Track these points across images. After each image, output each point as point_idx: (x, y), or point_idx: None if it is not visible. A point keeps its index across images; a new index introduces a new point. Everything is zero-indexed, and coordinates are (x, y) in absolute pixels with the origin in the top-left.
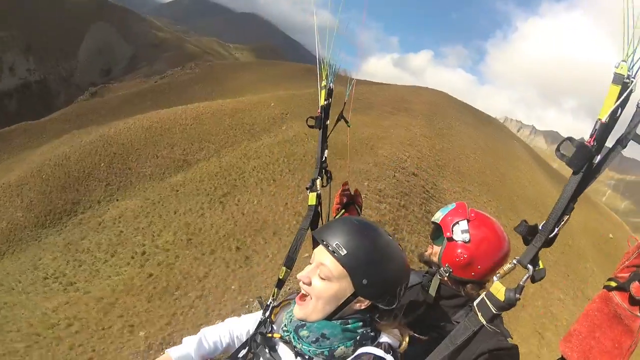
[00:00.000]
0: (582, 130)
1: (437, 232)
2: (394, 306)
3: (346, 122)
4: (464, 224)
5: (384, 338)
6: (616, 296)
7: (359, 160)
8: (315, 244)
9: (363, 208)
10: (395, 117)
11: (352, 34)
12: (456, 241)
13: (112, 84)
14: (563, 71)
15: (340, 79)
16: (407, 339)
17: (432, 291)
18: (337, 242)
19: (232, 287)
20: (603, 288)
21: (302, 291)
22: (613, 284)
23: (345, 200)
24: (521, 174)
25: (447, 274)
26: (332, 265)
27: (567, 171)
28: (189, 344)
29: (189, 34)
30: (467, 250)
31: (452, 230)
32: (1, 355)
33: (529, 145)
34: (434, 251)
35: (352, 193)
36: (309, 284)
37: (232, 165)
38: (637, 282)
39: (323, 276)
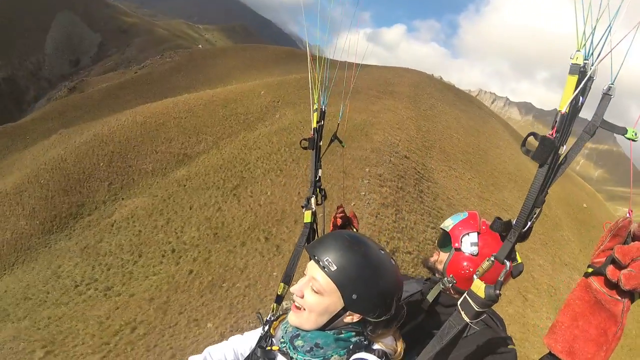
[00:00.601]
0: (555, 100)
1: (445, 240)
2: (386, 318)
3: (340, 142)
4: (474, 237)
5: (377, 345)
6: (595, 282)
7: (357, 147)
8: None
9: (368, 192)
10: (382, 101)
11: (324, 10)
12: (464, 253)
13: (87, 77)
14: (535, 43)
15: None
16: (401, 347)
17: (430, 298)
18: (327, 258)
19: (274, 274)
20: (582, 276)
21: (296, 303)
22: (590, 270)
23: (340, 222)
24: (501, 151)
25: (451, 285)
26: (323, 280)
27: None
28: None
29: (157, 17)
30: (474, 264)
31: (461, 241)
32: None
33: (506, 121)
34: (440, 259)
35: (347, 215)
36: (302, 297)
37: (235, 156)
38: (611, 266)
39: (315, 289)
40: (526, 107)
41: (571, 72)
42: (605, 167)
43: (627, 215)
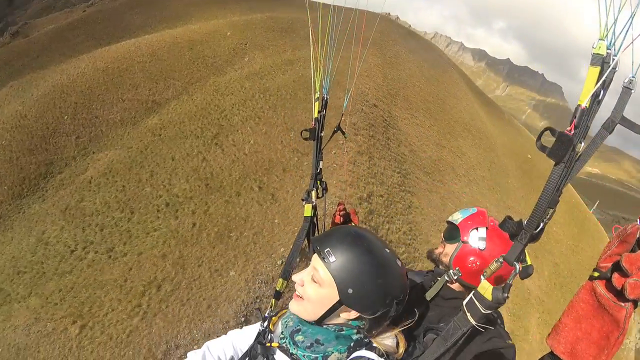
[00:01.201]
0: (508, 51)
1: (452, 233)
2: (383, 318)
3: (343, 133)
4: (482, 231)
5: (378, 343)
6: (599, 286)
7: (332, 96)
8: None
9: (346, 141)
10: (350, 49)
11: None
12: (471, 246)
13: (30, 20)
14: None
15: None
16: (403, 347)
17: (432, 292)
18: (328, 249)
19: (275, 221)
20: (588, 279)
21: (297, 292)
22: (596, 274)
23: (342, 220)
24: (457, 100)
25: (456, 277)
26: (322, 271)
27: (488, 89)
28: (192, 358)
29: None
30: (481, 258)
31: (470, 235)
32: (128, 334)
33: (460, 68)
34: (446, 251)
35: (348, 212)
36: (302, 285)
37: (208, 103)
38: (617, 272)
39: (315, 280)
40: (480, 54)
41: (593, 63)
42: (550, 119)
43: (637, 222)
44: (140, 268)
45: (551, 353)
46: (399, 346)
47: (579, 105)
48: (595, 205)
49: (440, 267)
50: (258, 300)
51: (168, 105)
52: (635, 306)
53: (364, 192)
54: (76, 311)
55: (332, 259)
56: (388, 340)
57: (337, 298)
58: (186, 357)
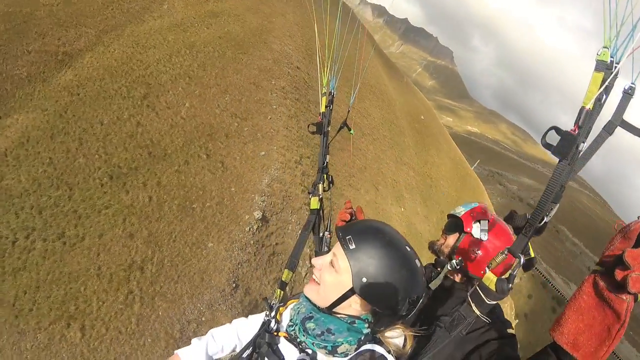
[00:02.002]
0: (407, 11)
1: (454, 225)
2: (395, 315)
3: (349, 129)
4: (484, 223)
5: (386, 339)
6: (601, 280)
7: (259, 56)
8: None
9: (278, 106)
10: (271, 3)
11: None
12: (473, 237)
13: None
14: None
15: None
16: (410, 341)
17: (437, 282)
18: (349, 237)
19: (232, 189)
20: (590, 273)
21: (313, 276)
22: (598, 268)
23: (349, 218)
24: (363, 61)
25: (459, 267)
26: (340, 257)
27: (384, 45)
28: (197, 344)
29: None
30: (482, 249)
31: (472, 226)
32: (137, 323)
33: (370, 33)
34: (447, 243)
35: (354, 210)
36: (320, 270)
37: (129, 57)
38: (619, 267)
39: (333, 265)
40: (379, 10)
41: (597, 69)
42: (438, 79)
43: (639, 218)
44: (109, 252)
45: (554, 344)
46: (406, 345)
47: (583, 106)
48: (477, 163)
49: (442, 257)
50: (240, 266)
51: (82, 58)
52: (636, 300)
53: (297, 155)
54: (63, 313)
55: (351, 246)
56: (396, 339)
57: (351, 286)
58: (191, 344)
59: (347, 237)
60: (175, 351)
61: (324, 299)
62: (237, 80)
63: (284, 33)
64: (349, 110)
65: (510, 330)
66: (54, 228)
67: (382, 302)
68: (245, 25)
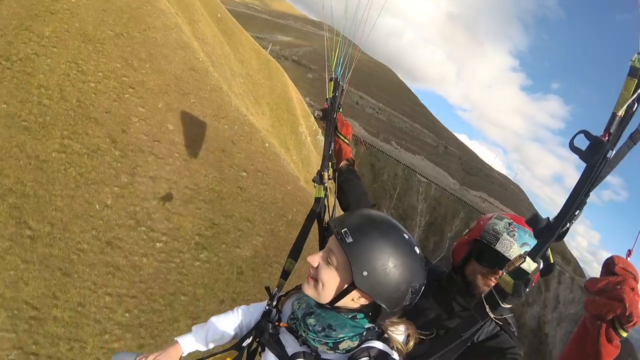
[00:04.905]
0: None
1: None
2: (396, 308)
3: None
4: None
5: (389, 334)
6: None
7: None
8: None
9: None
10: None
11: None
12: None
13: None
14: None
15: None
16: (414, 340)
17: (450, 288)
18: (345, 230)
19: None
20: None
21: (310, 274)
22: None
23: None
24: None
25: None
26: (337, 252)
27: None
28: (198, 331)
29: None
30: None
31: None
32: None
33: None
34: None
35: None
36: (316, 267)
37: None
38: (614, 297)
39: (330, 262)
40: None
41: (631, 75)
42: None
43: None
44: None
45: None
46: (409, 341)
47: (615, 113)
48: (269, 48)
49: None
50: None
51: None
52: (613, 327)
53: None
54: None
55: (349, 239)
56: (400, 336)
57: (351, 280)
58: (191, 330)
59: (343, 230)
60: (175, 338)
61: (323, 297)
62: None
63: None
64: (342, 89)
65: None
66: None
67: (384, 294)
68: None
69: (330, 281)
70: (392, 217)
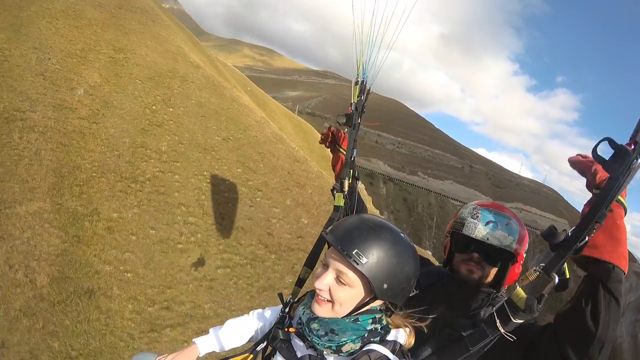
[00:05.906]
0: None
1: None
2: (404, 300)
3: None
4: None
5: (391, 336)
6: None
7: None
8: (329, 243)
9: None
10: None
11: None
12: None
13: None
14: None
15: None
16: (412, 336)
17: (455, 290)
18: (356, 251)
19: None
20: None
21: (320, 297)
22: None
23: (332, 138)
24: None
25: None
26: (349, 271)
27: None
28: (215, 333)
29: None
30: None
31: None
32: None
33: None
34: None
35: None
36: (328, 291)
37: None
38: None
39: (344, 282)
40: None
41: None
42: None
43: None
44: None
45: (585, 276)
46: (410, 337)
47: None
48: (297, 109)
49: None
50: None
51: None
52: (622, 206)
53: None
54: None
55: (363, 260)
56: (404, 324)
57: (371, 295)
58: (208, 332)
59: (354, 252)
60: (194, 339)
61: (341, 313)
62: None
63: None
64: (367, 92)
65: None
66: None
67: (401, 295)
68: None
69: (348, 300)
70: (405, 233)
